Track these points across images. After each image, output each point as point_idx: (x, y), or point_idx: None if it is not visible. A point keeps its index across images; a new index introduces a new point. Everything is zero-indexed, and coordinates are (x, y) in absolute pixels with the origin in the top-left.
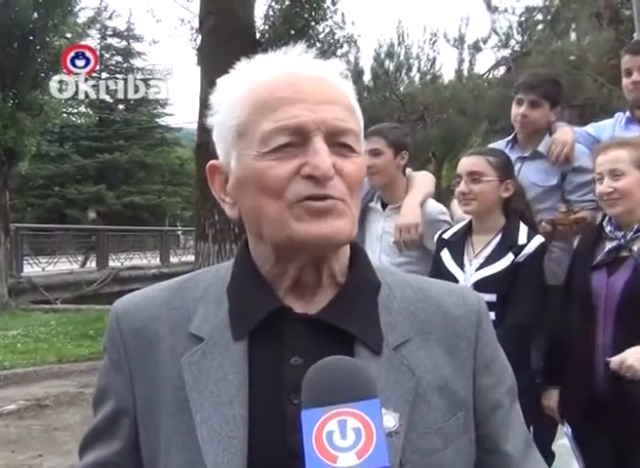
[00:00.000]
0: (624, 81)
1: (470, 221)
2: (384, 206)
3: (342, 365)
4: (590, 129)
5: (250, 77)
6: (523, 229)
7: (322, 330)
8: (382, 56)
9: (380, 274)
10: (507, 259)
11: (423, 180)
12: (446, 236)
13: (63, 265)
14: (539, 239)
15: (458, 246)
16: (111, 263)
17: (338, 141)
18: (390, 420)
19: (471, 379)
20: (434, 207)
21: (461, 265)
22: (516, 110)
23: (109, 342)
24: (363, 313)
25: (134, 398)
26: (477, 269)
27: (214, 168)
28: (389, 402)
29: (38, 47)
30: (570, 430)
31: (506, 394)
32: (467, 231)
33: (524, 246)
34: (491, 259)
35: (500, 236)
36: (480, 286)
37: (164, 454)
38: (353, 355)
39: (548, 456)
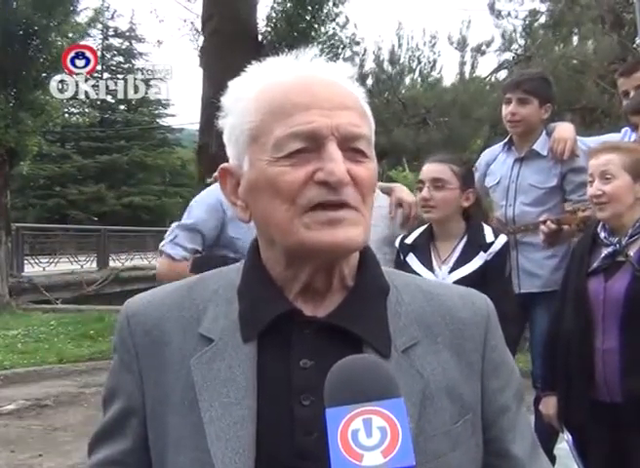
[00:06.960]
0: (624, 102)
1: (431, 227)
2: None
3: (365, 363)
4: (594, 142)
5: (263, 80)
6: (487, 229)
7: (331, 333)
8: (382, 58)
9: (388, 277)
10: (480, 258)
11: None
12: (409, 241)
13: (64, 265)
14: (503, 237)
15: (424, 250)
16: (112, 264)
17: (351, 147)
18: None
19: (479, 383)
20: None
21: (432, 269)
22: (505, 110)
23: (120, 342)
24: (372, 316)
25: (143, 397)
26: (450, 271)
27: (225, 171)
28: None
29: (40, 47)
30: (571, 437)
31: (513, 397)
32: (430, 236)
33: (492, 243)
34: (461, 261)
35: (465, 239)
36: None
37: (172, 454)
38: None
39: (550, 460)
